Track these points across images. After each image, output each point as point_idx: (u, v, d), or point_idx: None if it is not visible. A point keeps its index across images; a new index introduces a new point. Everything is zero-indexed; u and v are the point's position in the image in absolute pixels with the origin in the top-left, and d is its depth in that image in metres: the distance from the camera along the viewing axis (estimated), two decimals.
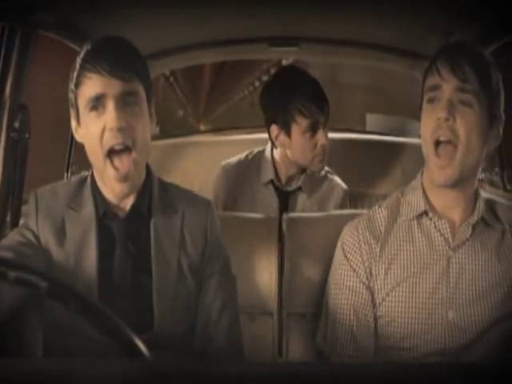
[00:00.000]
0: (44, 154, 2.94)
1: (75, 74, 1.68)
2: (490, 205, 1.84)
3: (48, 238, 1.73)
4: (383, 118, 4.28)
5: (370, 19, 2.74)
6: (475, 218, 1.78)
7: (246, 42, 3.14)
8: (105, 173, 1.69)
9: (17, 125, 2.04)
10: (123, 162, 1.66)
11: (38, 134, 2.18)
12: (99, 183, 1.76)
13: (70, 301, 1.16)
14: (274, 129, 2.65)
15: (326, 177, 2.84)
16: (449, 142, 1.69)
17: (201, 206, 1.83)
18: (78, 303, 1.16)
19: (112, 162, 1.66)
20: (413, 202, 1.83)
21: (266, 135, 2.77)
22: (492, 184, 2.98)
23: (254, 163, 2.82)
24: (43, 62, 2.44)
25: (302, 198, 2.77)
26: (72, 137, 2.80)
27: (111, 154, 1.66)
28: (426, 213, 1.80)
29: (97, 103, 1.64)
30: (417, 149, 3.54)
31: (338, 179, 2.85)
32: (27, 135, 2.08)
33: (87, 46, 1.70)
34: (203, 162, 3.42)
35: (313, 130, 2.59)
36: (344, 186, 2.84)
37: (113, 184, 1.70)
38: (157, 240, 1.74)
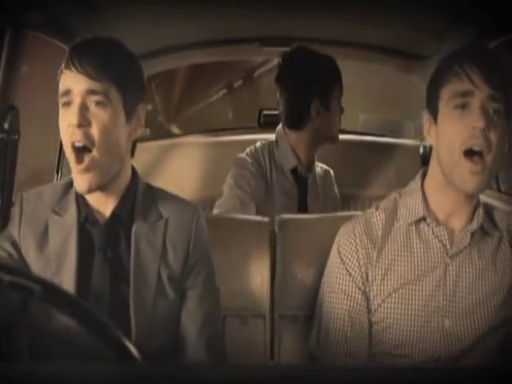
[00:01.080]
0: (35, 156, 2.93)
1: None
2: (488, 210, 1.83)
3: (29, 246, 1.73)
4: (376, 118, 4.27)
5: (364, 19, 2.75)
6: (474, 226, 1.77)
7: (238, 41, 3.14)
8: (71, 166, 1.68)
9: (6, 126, 2.04)
10: (83, 158, 1.65)
11: (28, 135, 2.17)
12: None
13: (63, 305, 1.15)
14: (316, 105, 2.70)
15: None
16: (481, 151, 1.66)
17: (186, 214, 1.80)
18: (71, 307, 1.15)
19: (76, 156, 1.66)
20: (411, 205, 1.81)
21: (259, 136, 2.76)
22: None
23: (266, 154, 2.81)
24: (33, 62, 2.43)
25: (314, 184, 2.84)
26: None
27: (74, 149, 1.65)
28: (424, 218, 1.79)
29: (66, 99, 1.66)
30: (410, 150, 3.55)
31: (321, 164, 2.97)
32: (17, 136, 2.08)
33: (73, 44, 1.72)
34: (194, 164, 3.42)
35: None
36: (329, 168, 2.97)
37: (75, 178, 1.68)
38: (137, 248, 1.72)
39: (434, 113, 1.76)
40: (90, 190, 1.68)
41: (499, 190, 2.88)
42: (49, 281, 1.25)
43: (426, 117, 1.80)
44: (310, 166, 2.80)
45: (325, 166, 2.95)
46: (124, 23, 2.43)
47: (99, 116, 1.65)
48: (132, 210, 1.75)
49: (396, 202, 1.85)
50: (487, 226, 1.79)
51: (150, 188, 1.83)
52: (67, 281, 1.68)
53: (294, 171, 2.77)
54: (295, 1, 2.48)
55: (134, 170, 1.81)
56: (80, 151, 1.65)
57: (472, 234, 1.77)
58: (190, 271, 1.77)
